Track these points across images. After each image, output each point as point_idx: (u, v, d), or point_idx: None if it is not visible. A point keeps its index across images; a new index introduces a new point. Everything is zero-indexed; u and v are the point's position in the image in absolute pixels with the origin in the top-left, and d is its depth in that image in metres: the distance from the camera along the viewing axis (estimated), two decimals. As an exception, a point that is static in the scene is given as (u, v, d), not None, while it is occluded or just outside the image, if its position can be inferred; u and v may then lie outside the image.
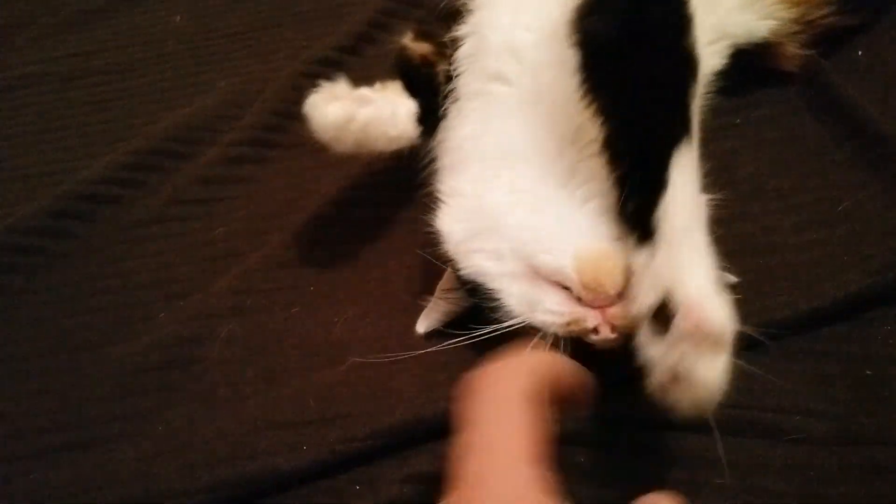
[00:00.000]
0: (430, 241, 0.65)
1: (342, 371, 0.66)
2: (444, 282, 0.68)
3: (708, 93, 0.75)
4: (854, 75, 0.81)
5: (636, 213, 0.54)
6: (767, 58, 0.81)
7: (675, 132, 0.53)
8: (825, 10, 0.80)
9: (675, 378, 0.47)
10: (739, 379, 0.59)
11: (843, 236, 0.68)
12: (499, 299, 0.59)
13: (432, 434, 0.60)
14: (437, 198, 0.67)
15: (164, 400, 0.68)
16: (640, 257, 0.53)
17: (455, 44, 0.72)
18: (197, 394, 0.68)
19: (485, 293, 0.60)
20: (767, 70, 0.82)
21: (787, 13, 0.78)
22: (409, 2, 1.05)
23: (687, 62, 0.56)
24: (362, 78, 0.97)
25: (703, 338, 0.46)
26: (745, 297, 0.62)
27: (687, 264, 0.50)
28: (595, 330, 0.56)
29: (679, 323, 0.47)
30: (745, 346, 0.61)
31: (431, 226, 0.66)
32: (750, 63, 0.79)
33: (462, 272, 0.62)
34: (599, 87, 0.58)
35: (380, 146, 0.70)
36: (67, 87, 1.06)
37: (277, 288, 0.75)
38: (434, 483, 0.57)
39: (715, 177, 0.72)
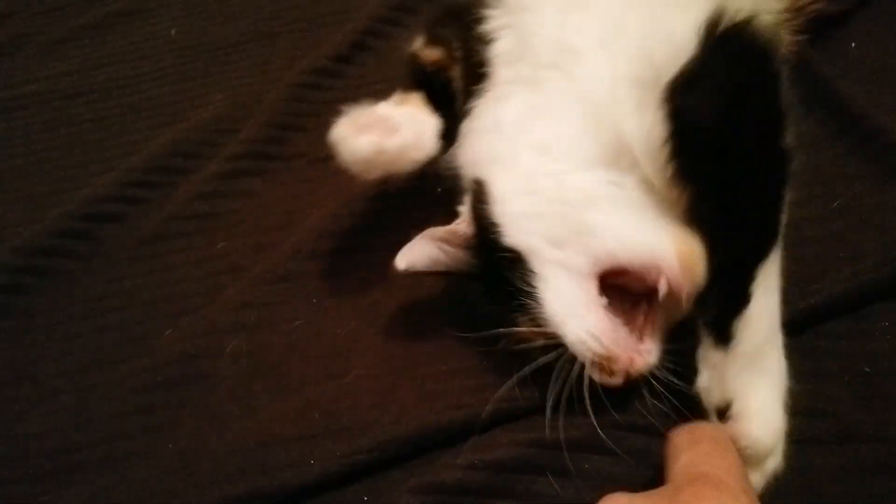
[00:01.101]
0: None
1: (347, 383, 0.67)
2: (447, 231, 0.67)
3: None
4: (847, 68, 0.82)
5: (717, 318, 0.55)
6: None
7: (765, 243, 0.55)
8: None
9: None
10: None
11: (838, 232, 0.69)
12: (535, 287, 0.59)
13: (437, 444, 0.62)
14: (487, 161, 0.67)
15: (172, 417, 0.69)
16: (714, 357, 0.56)
17: (474, 42, 0.71)
18: (205, 410, 0.69)
19: (522, 274, 0.60)
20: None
21: (779, 3, 0.78)
22: (402, 8, 1.06)
23: (782, 163, 0.55)
24: (359, 86, 0.99)
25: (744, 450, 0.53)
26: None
27: (753, 383, 0.54)
28: (611, 371, 0.57)
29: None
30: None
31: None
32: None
33: (509, 240, 0.61)
34: (687, 161, 0.56)
35: (406, 169, 0.68)
36: (68, 104, 1.06)
37: (280, 301, 0.75)
38: (439, 492, 0.58)
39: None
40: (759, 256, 0.54)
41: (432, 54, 0.76)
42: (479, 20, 0.71)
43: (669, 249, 0.55)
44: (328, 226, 0.81)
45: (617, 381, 0.57)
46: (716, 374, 0.56)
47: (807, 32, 0.81)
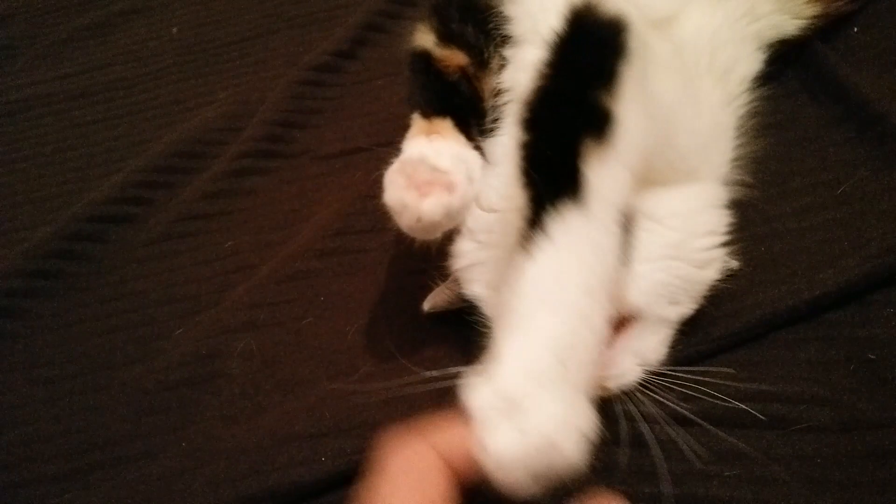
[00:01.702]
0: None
1: (356, 380, 0.67)
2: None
3: (751, 97, 0.73)
4: (850, 53, 0.81)
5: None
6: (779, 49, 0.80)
7: (554, 190, 0.48)
8: (841, 2, 0.80)
9: None
10: (746, 370, 0.61)
11: (842, 219, 0.68)
12: (490, 329, 0.59)
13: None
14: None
15: (185, 417, 0.70)
16: None
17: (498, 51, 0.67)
18: (217, 409, 0.70)
19: (481, 319, 0.61)
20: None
21: (813, 9, 0.78)
22: (401, 1, 1.05)
23: (589, 116, 0.49)
24: (360, 82, 0.99)
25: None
26: (750, 287, 0.64)
27: (505, 355, 0.45)
28: None
29: None
30: (750, 339, 0.63)
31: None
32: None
33: (464, 292, 0.63)
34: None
35: (462, 220, 0.63)
36: (72, 106, 1.07)
37: (288, 300, 0.76)
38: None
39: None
40: (545, 204, 0.48)
41: (454, 57, 0.68)
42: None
43: None
44: (335, 223, 0.81)
45: None
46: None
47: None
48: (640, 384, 0.59)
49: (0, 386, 0.77)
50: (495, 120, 0.66)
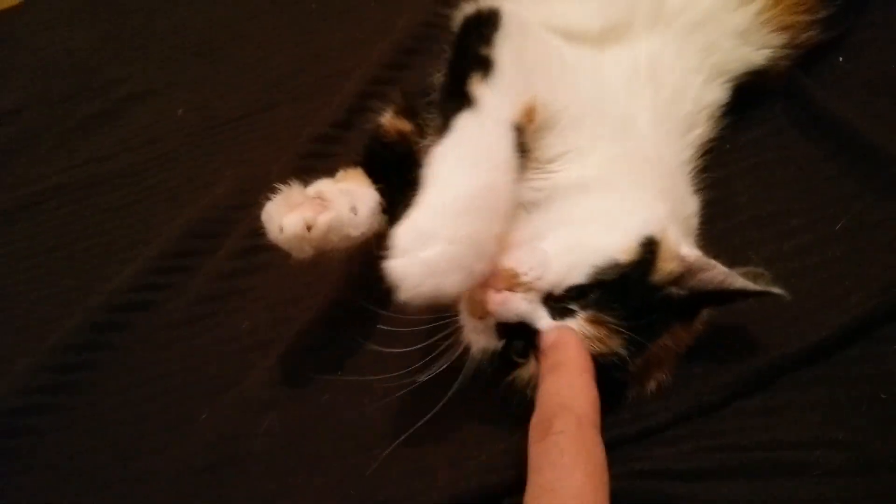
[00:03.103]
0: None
1: (377, 453, 0.68)
2: None
3: (714, 126, 0.78)
4: (836, 83, 0.83)
5: None
6: (756, 79, 0.82)
7: (455, 106, 0.62)
8: (812, 32, 0.82)
9: None
10: (759, 417, 0.62)
11: (843, 256, 0.69)
12: None
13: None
14: None
15: (216, 500, 0.71)
16: None
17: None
18: (246, 491, 0.71)
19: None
20: (752, 90, 0.83)
21: (779, 39, 0.80)
22: (396, 66, 1.08)
23: (476, 60, 0.65)
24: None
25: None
26: (756, 332, 0.65)
27: (419, 202, 0.58)
28: None
29: None
30: (760, 385, 0.64)
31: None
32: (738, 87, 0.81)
33: None
34: None
35: (342, 246, 0.70)
36: (86, 195, 1.10)
37: (308, 377, 0.77)
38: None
39: (713, 208, 0.74)
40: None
41: (400, 125, 0.78)
42: None
43: None
44: (347, 296, 0.83)
45: None
46: None
47: (800, 60, 0.83)
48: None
49: (34, 482, 0.78)
50: None
